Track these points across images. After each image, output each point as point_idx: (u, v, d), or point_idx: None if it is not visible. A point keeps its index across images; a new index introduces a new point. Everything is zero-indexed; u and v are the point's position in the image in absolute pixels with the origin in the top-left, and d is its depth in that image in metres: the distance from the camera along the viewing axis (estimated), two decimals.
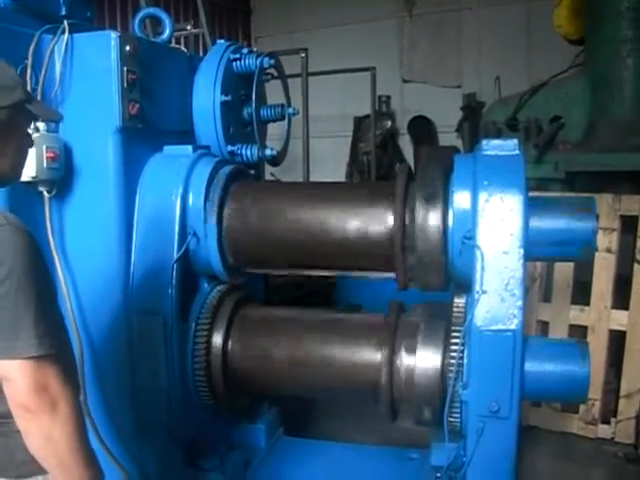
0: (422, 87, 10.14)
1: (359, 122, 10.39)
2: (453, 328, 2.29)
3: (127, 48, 2.38)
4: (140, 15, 2.97)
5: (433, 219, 2.24)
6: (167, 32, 2.93)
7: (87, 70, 2.40)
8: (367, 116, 9.69)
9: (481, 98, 8.84)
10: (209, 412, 2.69)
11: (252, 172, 3.05)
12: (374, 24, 10.29)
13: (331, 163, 10.71)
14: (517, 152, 2.25)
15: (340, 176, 10.53)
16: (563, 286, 3.75)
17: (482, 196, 2.16)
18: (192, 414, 2.61)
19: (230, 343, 2.57)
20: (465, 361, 2.20)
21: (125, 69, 2.38)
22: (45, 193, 2.39)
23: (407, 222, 2.29)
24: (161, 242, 2.47)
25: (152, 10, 3.04)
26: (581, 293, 3.73)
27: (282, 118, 3.24)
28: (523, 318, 2.09)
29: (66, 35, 2.37)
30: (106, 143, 2.41)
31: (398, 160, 10.62)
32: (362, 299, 5.82)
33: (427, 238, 2.23)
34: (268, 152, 2.98)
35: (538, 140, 4.12)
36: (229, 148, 2.88)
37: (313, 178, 10.10)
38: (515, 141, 2.27)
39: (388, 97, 10.15)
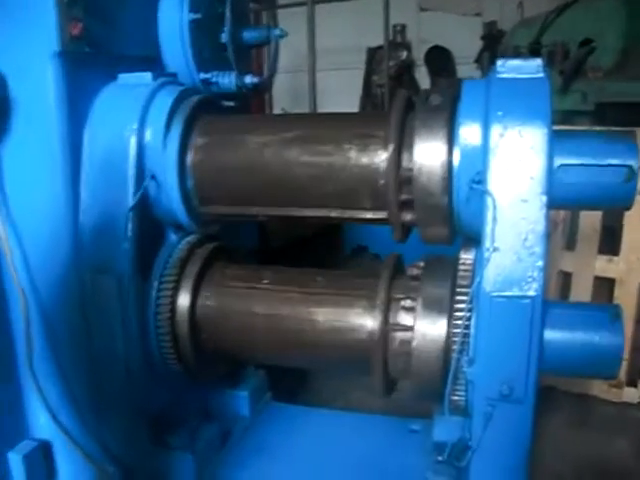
0: (440, 16, 9.52)
1: (373, 53, 9.82)
2: (458, 290, 1.91)
3: None
4: None
5: (435, 158, 1.83)
6: None
7: None
8: (381, 47, 9.13)
9: (503, 27, 8.22)
10: (179, 380, 2.36)
11: (231, 104, 2.64)
12: None
13: (344, 97, 10.21)
14: (541, 75, 1.81)
15: (353, 110, 10.03)
16: (589, 233, 3.34)
17: (495, 130, 1.74)
18: (158, 383, 2.29)
19: (199, 304, 2.22)
20: (472, 331, 1.83)
21: None
22: None
23: (403, 162, 1.88)
24: (114, 187, 2.09)
25: None
26: (609, 241, 3.32)
27: (268, 42, 2.80)
28: (544, 282, 1.71)
29: None
30: (44, 71, 1.99)
31: (415, 93, 10.08)
32: (370, 240, 5.50)
33: (427, 181, 1.83)
34: (248, 79, 2.55)
35: (564, 66, 3.61)
36: (202, 76, 2.45)
37: None
38: (538, 61, 1.81)
39: (403, 26, 9.54)
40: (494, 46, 7.78)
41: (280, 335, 2.13)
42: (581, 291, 3.44)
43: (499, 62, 1.84)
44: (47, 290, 2.17)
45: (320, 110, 9.79)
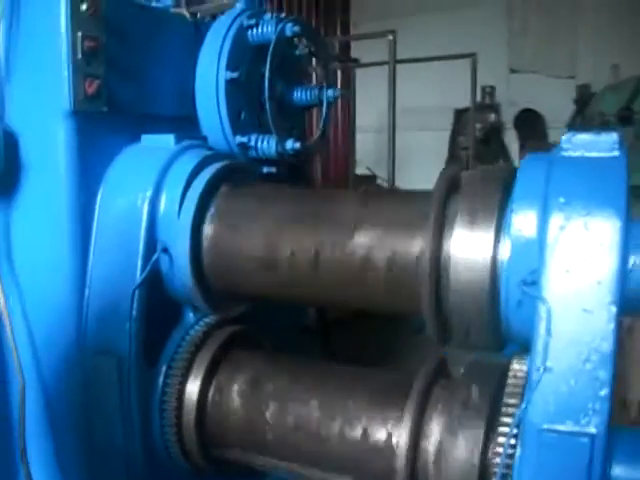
0: (531, 77, 9.18)
1: (460, 115, 9.59)
2: (504, 410, 1.56)
3: (83, 7, 1.80)
4: None
5: (479, 250, 1.51)
6: None
7: (35, 37, 1.85)
8: (468, 109, 8.86)
9: (597, 89, 7.80)
10: (187, 476, 2.09)
11: (272, 170, 2.40)
12: (480, 8, 9.40)
13: (429, 158, 9.98)
14: (616, 153, 1.48)
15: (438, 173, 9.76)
16: None
17: (555, 220, 1.42)
18: (162, 477, 2.03)
19: (211, 394, 1.95)
20: (516, 464, 1.47)
21: (79, 34, 1.80)
22: None
23: (444, 254, 1.57)
24: (123, 260, 1.89)
25: None
26: None
27: (320, 103, 2.58)
28: (609, 415, 1.34)
29: None
30: (55, 131, 1.84)
31: (503, 157, 9.71)
32: None
33: (469, 279, 1.51)
34: (289, 145, 2.32)
35: None
36: (238, 139, 2.25)
37: (408, 175, 9.43)
38: (614, 135, 1.49)
39: (492, 88, 9.27)
40: (588, 110, 7.37)
41: (294, 441, 1.82)
42: None
43: (564, 136, 1.53)
44: (49, 369, 1.98)
45: (403, 171, 9.58)
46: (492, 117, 9.18)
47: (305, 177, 2.90)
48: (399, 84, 7.72)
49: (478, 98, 9.07)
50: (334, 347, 4.36)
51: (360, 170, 11.09)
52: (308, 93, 2.52)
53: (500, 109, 9.49)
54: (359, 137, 10.36)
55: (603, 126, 3.26)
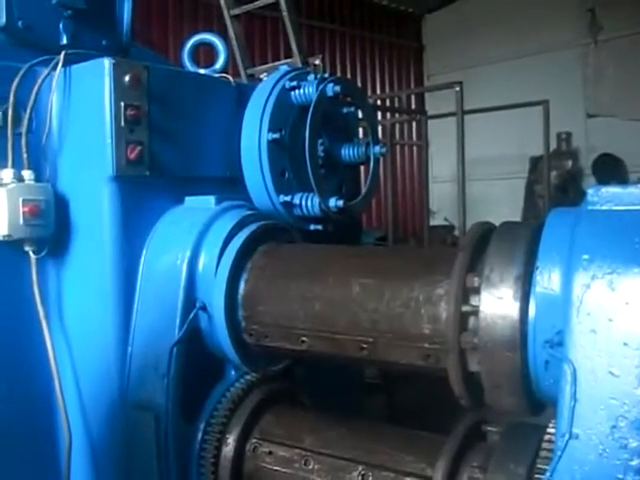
0: (610, 121, 8.91)
1: (536, 162, 9.41)
2: (536, 477, 1.49)
3: (126, 78, 1.92)
4: (191, 43, 2.53)
5: (506, 310, 1.47)
6: (221, 61, 2.48)
7: (81, 107, 2.00)
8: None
9: None
10: None
11: (319, 228, 2.42)
12: (553, 54, 9.29)
13: (506, 207, 9.80)
14: None
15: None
16: None
17: (580, 278, 1.36)
18: None
19: (247, 453, 1.96)
20: None
21: (122, 104, 1.92)
22: (31, 254, 1.98)
23: (468, 314, 1.53)
24: (163, 319, 1.95)
25: (205, 37, 2.59)
26: None
27: (368, 160, 2.61)
28: None
29: (59, 67, 1.97)
30: (100, 195, 1.96)
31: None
32: None
33: (496, 340, 1.47)
34: (332, 203, 2.34)
35: None
36: (282, 198, 2.30)
37: None
38: None
39: (568, 134, 9.06)
40: None
41: None
42: None
43: (591, 189, 1.49)
44: (94, 424, 2.05)
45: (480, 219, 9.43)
46: (569, 164, 8.96)
47: (353, 234, 2.91)
48: (474, 133, 7.69)
49: (554, 145, 8.90)
50: (399, 404, 4.28)
51: (438, 221, 11.01)
52: (355, 150, 2.55)
53: (578, 155, 9.25)
54: (437, 188, 10.33)
55: None
